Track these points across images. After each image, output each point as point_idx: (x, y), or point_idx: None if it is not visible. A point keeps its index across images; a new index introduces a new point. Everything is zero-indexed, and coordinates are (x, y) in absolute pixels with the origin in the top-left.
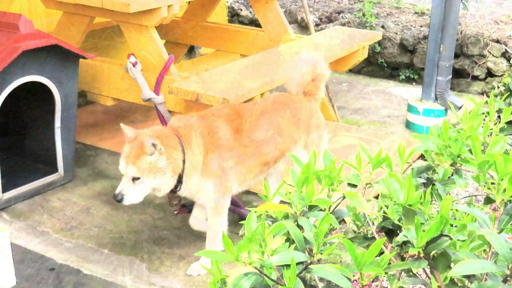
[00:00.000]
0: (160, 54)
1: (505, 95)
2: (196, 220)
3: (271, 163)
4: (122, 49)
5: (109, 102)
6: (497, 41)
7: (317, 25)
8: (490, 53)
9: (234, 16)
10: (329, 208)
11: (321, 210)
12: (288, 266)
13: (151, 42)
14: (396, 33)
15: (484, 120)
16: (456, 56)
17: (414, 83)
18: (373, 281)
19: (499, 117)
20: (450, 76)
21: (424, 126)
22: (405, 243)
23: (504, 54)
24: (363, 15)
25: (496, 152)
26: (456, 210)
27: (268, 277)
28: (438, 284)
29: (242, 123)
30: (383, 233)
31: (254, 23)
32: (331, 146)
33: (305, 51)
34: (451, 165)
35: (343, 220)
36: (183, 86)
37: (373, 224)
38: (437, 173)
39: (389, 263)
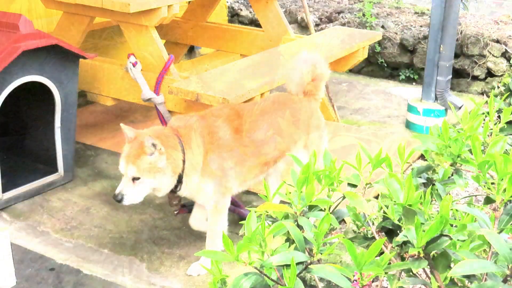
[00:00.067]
0: (160, 54)
1: (505, 95)
2: (196, 220)
3: (271, 163)
4: (122, 49)
5: (109, 102)
6: (497, 41)
7: (317, 25)
8: (490, 53)
9: (234, 16)
10: (329, 208)
11: (321, 210)
12: (288, 266)
13: (151, 42)
14: (396, 33)
15: (484, 120)
16: (456, 56)
17: (414, 83)
18: (373, 281)
19: (499, 117)
20: (450, 76)
21: (424, 126)
22: (405, 243)
23: (504, 54)
24: (363, 15)
25: (496, 152)
26: (456, 210)
27: (268, 277)
28: (438, 284)
29: (242, 123)
30: (383, 233)
31: (254, 23)
32: (331, 146)
33: (305, 51)
34: (451, 165)
35: (343, 220)
36: (183, 86)
37: (373, 224)
38: (437, 173)
39: (389, 263)
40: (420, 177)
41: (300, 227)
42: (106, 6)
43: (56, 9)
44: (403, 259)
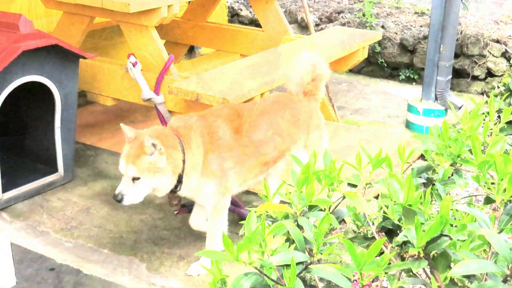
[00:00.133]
0: (160, 54)
1: (505, 95)
2: (196, 220)
3: (271, 163)
4: (122, 49)
5: (109, 102)
6: (497, 41)
7: (317, 25)
8: (490, 53)
9: (234, 16)
10: (329, 208)
11: (321, 210)
12: (288, 266)
13: (151, 42)
14: (396, 33)
15: (484, 120)
16: (456, 56)
17: (414, 83)
18: (373, 281)
19: (499, 117)
20: (450, 76)
21: (424, 126)
22: (405, 243)
23: (504, 54)
24: (363, 15)
25: (496, 152)
26: (456, 210)
27: (268, 277)
28: (438, 284)
29: (242, 123)
30: (383, 233)
31: (254, 23)
32: (331, 146)
33: (305, 51)
34: (451, 165)
35: (343, 220)
36: (183, 86)
37: (373, 224)
38: (437, 173)
39: (389, 263)
40: (420, 177)
41: (300, 227)
42: (106, 6)
43: (56, 9)
44: (403, 259)
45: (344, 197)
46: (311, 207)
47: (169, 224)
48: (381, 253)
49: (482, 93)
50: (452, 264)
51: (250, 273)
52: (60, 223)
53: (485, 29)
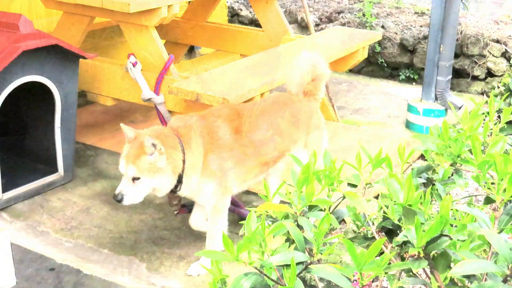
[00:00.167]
0: (160, 54)
1: (505, 95)
2: (196, 220)
3: (271, 163)
4: (122, 49)
5: (109, 102)
6: (497, 41)
7: (317, 25)
8: (490, 53)
9: (234, 16)
10: (329, 208)
11: (321, 210)
12: (288, 266)
13: (151, 42)
14: (396, 33)
15: (484, 120)
16: (456, 56)
17: (414, 83)
18: (373, 281)
19: (499, 117)
20: (450, 76)
21: (424, 126)
22: (405, 243)
23: (504, 54)
24: (363, 15)
25: (496, 152)
26: (456, 210)
27: (268, 277)
28: (438, 284)
29: (242, 123)
30: (383, 233)
31: (254, 23)
32: (331, 146)
33: (305, 51)
34: (451, 165)
35: (343, 220)
36: (183, 86)
37: (373, 224)
38: (437, 173)
39: (389, 263)
40: (420, 177)
41: (300, 227)
42: (106, 6)
43: (56, 9)
44: (403, 259)
45: (344, 197)
46: (311, 207)
47: (169, 224)
48: (381, 253)
49: (482, 93)
50: (452, 264)
51: (250, 273)
52: (60, 223)
53: (485, 29)
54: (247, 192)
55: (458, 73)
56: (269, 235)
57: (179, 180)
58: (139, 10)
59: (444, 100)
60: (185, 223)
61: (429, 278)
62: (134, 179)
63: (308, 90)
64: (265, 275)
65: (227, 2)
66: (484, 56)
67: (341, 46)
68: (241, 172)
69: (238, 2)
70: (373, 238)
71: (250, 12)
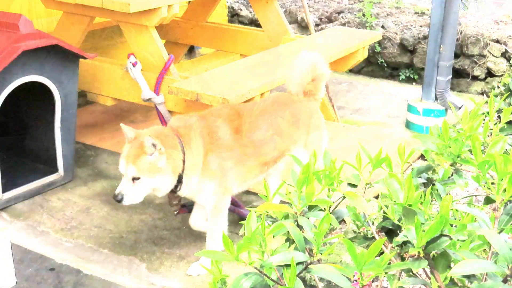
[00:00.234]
0: (160, 54)
1: (505, 95)
2: (196, 220)
3: (271, 163)
4: (122, 49)
5: (109, 102)
6: (497, 41)
7: (317, 25)
8: (490, 53)
9: (234, 16)
10: (329, 208)
11: (321, 210)
12: (288, 266)
13: (151, 42)
14: (396, 33)
15: (484, 120)
16: (456, 56)
17: (414, 83)
18: (373, 281)
19: (499, 117)
20: (450, 76)
21: (424, 126)
22: (405, 243)
23: (504, 54)
24: (363, 15)
25: (496, 152)
26: (456, 210)
27: (268, 277)
28: (438, 284)
29: (242, 123)
30: (383, 233)
31: (254, 23)
32: (331, 146)
33: (305, 51)
34: (451, 165)
35: (343, 220)
36: (183, 86)
37: (373, 224)
38: (437, 173)
39: (389, 263)
40: (420, 177)
41: (300, 227)
42: (106, 6)
43: (56, 9)
44: (403, 259)
45: (344, 197)
46: (311, 207)
47: (169, 224)
48: (381, 253)
49: (482, 93)
50: (452, 264)
51: (250, 273)
52: (60, 223)
53: (485, 29)
54: (247, 192)
55: (458, 73)
56: (269, 235)
57: (179, 180)
58: (139, 10)
59: (444, 100)
60: (185, 223)
61: (429, 278)
62: (134, 179)
63: (308, 90)
64: (265, 275)
65: (227, 2)
66: (484, 56)
67: (341, 46)
68: (241, 172)
69: (238, 2)
70: (373, 238)
71: (250, 12)
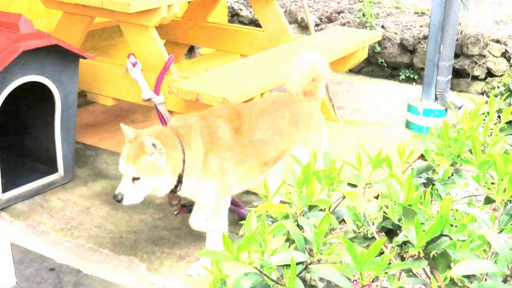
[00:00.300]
0: (160, 54)
1: (505, 95)
2: (196, 220)
3: (271, 163)
4: (122, 49)
5: (109, 102)
6: (497, 41)
7: (317, 25)
8: (490, 53)
9: (234, 16)
10: (329, 208)
11: (321, 210)
12: (288, 266)
13: (151, 42)
14: (396, 33)
15: (484, 120)
16: (456, 56)
17: (414, 83)
18: (373, 281)
19: (499, 117)
20: (450, 76)
21: (424, 126)
22: (405, 243)
23: (504, 54)
24: (363, 15)
25: (496, 152)
26: (456, 210)
27: (268, 277)
28: (438, 284)
29: (242, 123)
30: (383, 233)
31: (254, 23)
32: (331, 146)
33: (305, 51)
34: (451, 165)
35: (343, 220)
36: (183, 86)
37: (373, 224)
38: (437, 173)
39: (389, 263)
40: (420, 177)
41: (300, 227)
42: (106, 6)
43: (56, 9)
44: (403, 259)
45: (344, 197)
46: (311, 207)
47: (169, 224)
48: (381, 253)
49: (482, 93)
50: (452, 264)
51: (250, 273)
52: (60, 223)
53: (485, 29)
54: (247, 192)
55: (458, 73)
56: (269, 235)
57: (179, 180)
58: (139, 10)
59: (444, 100)
60: (185, 223)
61: (429, 278)
62: (134, 179)
63: (308, 90)
64: (265, 275)
65: (227, 2)
66: (484, 56)
67: (341, 46)
68: (241, 172)
69: (238, 2)
70: (373, 238)
71: (250, 12)
